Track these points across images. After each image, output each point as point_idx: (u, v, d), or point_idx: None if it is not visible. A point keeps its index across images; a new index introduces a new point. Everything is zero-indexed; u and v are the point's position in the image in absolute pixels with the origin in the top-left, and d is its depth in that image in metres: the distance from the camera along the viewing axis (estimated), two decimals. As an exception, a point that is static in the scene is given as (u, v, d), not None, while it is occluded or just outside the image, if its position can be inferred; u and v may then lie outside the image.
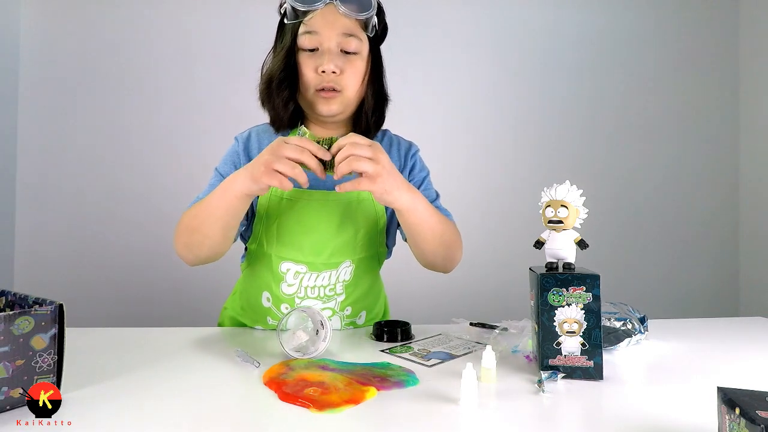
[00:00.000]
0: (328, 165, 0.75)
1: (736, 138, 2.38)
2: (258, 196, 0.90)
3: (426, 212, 0.84)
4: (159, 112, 2.12)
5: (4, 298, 0.67)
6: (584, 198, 0.72)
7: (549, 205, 0.71)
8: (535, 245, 0.75)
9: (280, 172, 0.71)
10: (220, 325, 1.06)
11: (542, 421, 0.57)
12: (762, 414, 0.40)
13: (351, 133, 0.76)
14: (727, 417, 0.44)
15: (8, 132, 2.04)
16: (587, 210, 0.72)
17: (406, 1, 2.22)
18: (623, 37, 2.35)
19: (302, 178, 0.72)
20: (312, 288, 0.92)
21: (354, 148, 0.72)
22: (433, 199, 1.02)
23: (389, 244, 1.02)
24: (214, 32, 2.14)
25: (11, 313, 0.54)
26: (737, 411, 0.42)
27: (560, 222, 0.70)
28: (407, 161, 1.02)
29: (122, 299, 2.08)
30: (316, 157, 0.73)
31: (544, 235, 0.73)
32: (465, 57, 2.28)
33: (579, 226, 0.72)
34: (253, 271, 0.97)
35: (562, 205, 0.70)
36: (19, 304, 0.65)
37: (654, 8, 2.36)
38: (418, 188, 1.00)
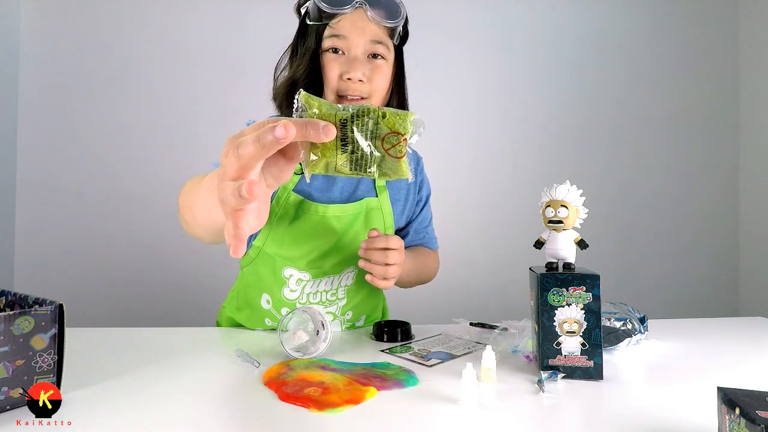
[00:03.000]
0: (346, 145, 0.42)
1: (736, 138, 2.38)
2: (271, 198, 0.88)
3: (409, 270, 0.93)
4: (159, 112, 2.12)
5: (4, 298, 0.67)
6: (584, 198, 0.72)
7: (549, 205, 0.71)
8: (535, 245, 0.75)
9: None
10: (217, 324, 1.06)
11: (542, 421, 0.57)
12: (762, 414, 0.40)
13: (388, 237, 0.82)
14: (727, 417, 0.44)
15: (8, 132, 2.04)
16: (587, 210, 0.72)
17: (408, 2, 2.22)
18: (624, 37, 2.35)
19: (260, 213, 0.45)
20: (314, 294, 0.92)
21: (389, 256, 0.81)
22: (427, 224, 1.06)
23: None
24: (214, 32, 2.14)
25: (11, 313, 0.54)
26: (737, 411, 0.42)
27: (560, 222, 0.70)
28: (416, 177, 1.02)
29: (122, 299, 2.08)
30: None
31: (544, 235, 0.73)
32: (466, 57, 2.28)
33: (579, 226, 0.72)
34: (254, 271, 0.96)
35: (562, 205, 0.70)
36: (19, 304, 0.65)
37: (654, 8, 2.36)
38: (422, 208, 1.03)
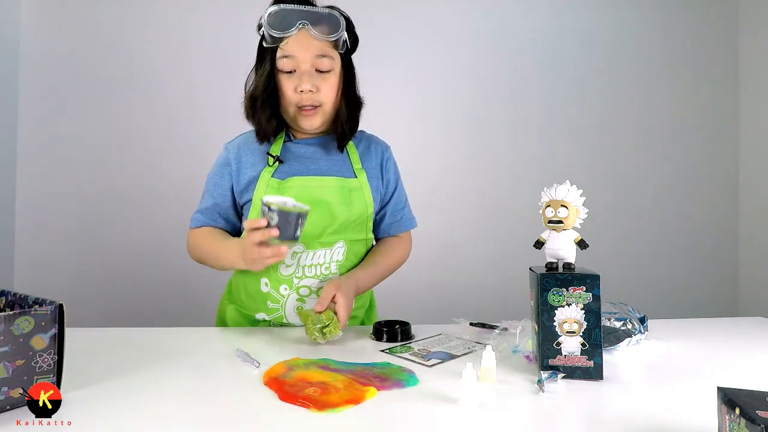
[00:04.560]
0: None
1: (736, 138, 2.38)
2: (254, 188, 0.97)
3: (372, 283, 1.03)
4: (159, 112, 2.12)
5: (4, 298, 0.67)
6: (584, 198, 0.71)
7: (549, 205, 0.71)
8: (535, 245, 0.75)
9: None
10: (219, 319, 1.08)
11: (542, 421, 0.57)
12: (762, 414, 0.40)
13: (340, 311, 0.88)
14: (727, 417, 0.44)
15: (8, 132, 2.04)
16: (587, 210, 0.72)
17: (410, 2, 2.22)
18: (623, 37, 2.34)
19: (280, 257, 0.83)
20: (309, 267, 0.96)
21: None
22: (402, 205, 1.12)
23: (374, 232, 1.09)
24: (214, 33, 2.14)
25: (11, 313, 0.55)
26: (737, 411, 0.42)
27: (560, 222, 0.70)
28: (383, 164, 1.09)
29: (122, 299, 2.08)
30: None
31: (544, 235, 0.73)
32: (466, 56, 2.28)
33: (579, 226, 0.72)
34: None
35: (562, 205, 0.70)
36: (19, 304, 0.65)
37: (654, 8, 2.35)
38: (393, 192, 1.10)
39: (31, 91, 2.07)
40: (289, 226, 0.80)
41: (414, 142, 2.19)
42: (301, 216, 0.81)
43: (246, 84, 1.02)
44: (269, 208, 0.79)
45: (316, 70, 0.95)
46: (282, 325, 0.99)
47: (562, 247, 0.71)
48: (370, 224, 1.05)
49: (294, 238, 0.81)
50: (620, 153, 2.34)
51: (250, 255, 0.82)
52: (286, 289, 0.96)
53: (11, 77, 2.04)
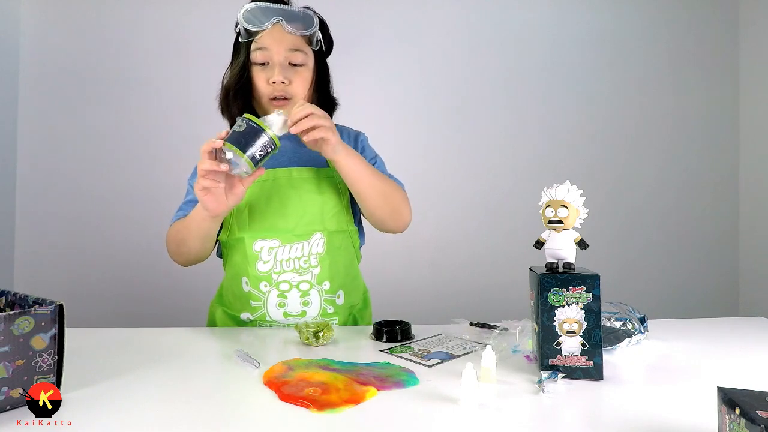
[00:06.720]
0: None
1: (736, 138, 2.38)
2: None
3: (363, 166, 0.93)
4: (158, 112, 2.12)
5: (4, 298, 0.67)
6: (584, 198, 0.71)
7: (549, 205, 0.71)
8: (535, 245, 0.75)
9: (208, 188, 0.81)
10: (210, 321, 1.08)
11: (542, 421, 0.57)
12: (762, 414, 0.40)
13: (306, 103, 0.85)
14: (727, 417, 0.44)
15: (8, 132, 2.04)
16: (587, 210, 0.72)
17: (409, 2, 2.22)
18: (623, 37, 2.35)
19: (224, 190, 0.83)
20: (287, 261, 0.95)
21: (316, 119, 0.83)
22: (388, 173, 1.09)
23: (357, 225, 1.06)
24: (213, 32, 2.13)
25: (11, 313, 0.54)
26: (737, 411, 0.42)
27: (560, 222, 0.70)
28: (357, 147, 1.09)
29: (122, 299, 2.08)
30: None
31: (544, 235, 0.73)
32: (465, 55, 2.28)
33: (579, 226, 0.72)
34: (230, 263, 1.02)
35: (562, 205, 0.70)
36: (19, 304, 0.65)
37: (653, 8, 2.36)
38: (373, 165, 1.06)
39: (31, 91, 2.07)
40: (249, 138, 0.77)
41: (413, 142, 2.19)
42: (267, 139, 0.78)
43: (222, 81, 1.04)
44: (241, 117, 0.79)
45: (289, 63, 0.97)
46: (266, 323, 0.98)
47: (562, 247, 0.71)
48: (350, 216, 1.02)
49: (250, 156, 0.77)
50: (620, 152, 2.34)
51: (198, 169, 0.79)
52: (266, 285, 0.95)
53: (11, 77, 2.04)
